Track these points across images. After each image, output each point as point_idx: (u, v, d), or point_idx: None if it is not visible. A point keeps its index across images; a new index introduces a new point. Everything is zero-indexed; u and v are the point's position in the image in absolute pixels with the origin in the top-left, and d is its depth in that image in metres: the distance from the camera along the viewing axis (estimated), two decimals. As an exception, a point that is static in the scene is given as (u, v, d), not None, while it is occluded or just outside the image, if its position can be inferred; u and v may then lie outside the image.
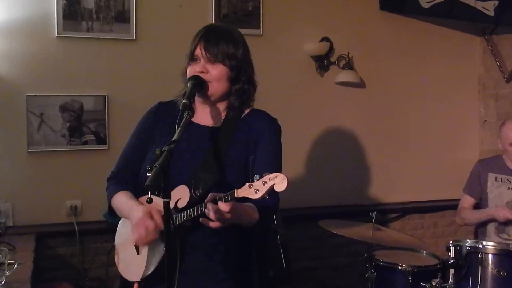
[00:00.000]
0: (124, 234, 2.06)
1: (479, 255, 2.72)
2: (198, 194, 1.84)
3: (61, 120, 3.40)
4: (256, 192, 1.61)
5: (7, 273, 2.22)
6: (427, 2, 3.95)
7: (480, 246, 2.77)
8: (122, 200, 2.02)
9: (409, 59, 4.23)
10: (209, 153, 1.95)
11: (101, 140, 3.48)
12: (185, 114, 1.78)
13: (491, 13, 3.87)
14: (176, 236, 1.74)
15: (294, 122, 3.87)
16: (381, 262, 2.96)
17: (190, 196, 1.84)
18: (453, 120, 4.38)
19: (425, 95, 4.29)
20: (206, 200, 1.69)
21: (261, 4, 3.77)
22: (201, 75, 1.93)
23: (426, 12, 4.03)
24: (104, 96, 3.47)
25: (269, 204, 1.84)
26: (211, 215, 1.66)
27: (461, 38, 4.38)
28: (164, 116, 2.07)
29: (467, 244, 2.79)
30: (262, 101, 3.60)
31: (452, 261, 2.71)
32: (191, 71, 1.96)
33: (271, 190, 1.60)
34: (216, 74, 1.94)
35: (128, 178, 2.07)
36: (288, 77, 3.90)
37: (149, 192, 1.53)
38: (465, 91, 4.43)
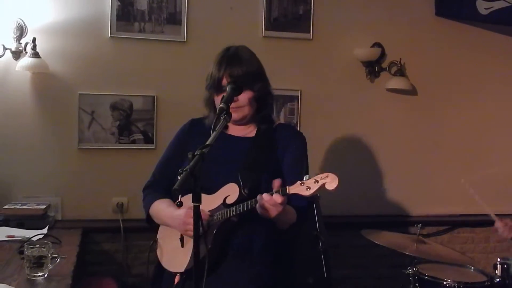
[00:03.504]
0: (167, 229, 2.12)
1: (528, 276, 2.59)
2: (247, 192, 1.92)
3: (111, 118, 3.48)
4: (307, 189, 1.71)
5: (50, 267, 2.28)
6: (485, 9, 3.80)
7: (529, 266, 2.63)
8: (161, 207, 2.11)
9: (464, 67, 4.08)
10: (247, 157, 2.03)
11: (149, 139, 3.54)
12: (221, 118, 1.80)
13: (555, 21, 3.70)
14: (209, 235, 1.84)
15: (341, 128, 3.83)
16: (426, 276, 2.84)
17: (239, 194, 1.92)
18: (510, 133, 4.20)
19: (480, 105, 4.12)
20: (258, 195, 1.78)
21: (312, 8, 3.73)
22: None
23: (484, 19, 3.87)
24: (153, 97, 3.53)
25: (304, 205, 2.00)
26: (261, 204, 1.74)
27: (522, 47, 4.19)
28: (196, 134, 2.15)
29: (515, 263, 2.66)
30: (311, 105, 3.63)
31: (498, 279, 2.59)
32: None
33: (322, 189, 1.70)
34: (245, 100, 2.05)
35: (164, 186, 2.14)
36: (337, 82, 3.84)
37: (179, 196, 1.54)
38: (525, 102, 4.24)
